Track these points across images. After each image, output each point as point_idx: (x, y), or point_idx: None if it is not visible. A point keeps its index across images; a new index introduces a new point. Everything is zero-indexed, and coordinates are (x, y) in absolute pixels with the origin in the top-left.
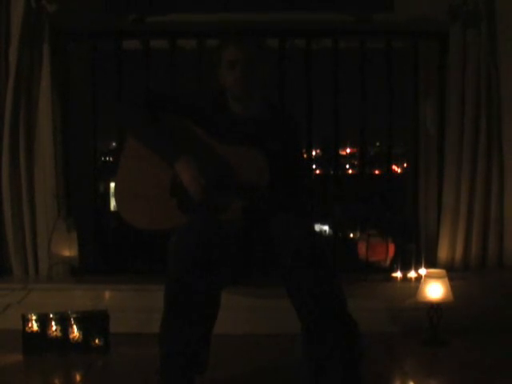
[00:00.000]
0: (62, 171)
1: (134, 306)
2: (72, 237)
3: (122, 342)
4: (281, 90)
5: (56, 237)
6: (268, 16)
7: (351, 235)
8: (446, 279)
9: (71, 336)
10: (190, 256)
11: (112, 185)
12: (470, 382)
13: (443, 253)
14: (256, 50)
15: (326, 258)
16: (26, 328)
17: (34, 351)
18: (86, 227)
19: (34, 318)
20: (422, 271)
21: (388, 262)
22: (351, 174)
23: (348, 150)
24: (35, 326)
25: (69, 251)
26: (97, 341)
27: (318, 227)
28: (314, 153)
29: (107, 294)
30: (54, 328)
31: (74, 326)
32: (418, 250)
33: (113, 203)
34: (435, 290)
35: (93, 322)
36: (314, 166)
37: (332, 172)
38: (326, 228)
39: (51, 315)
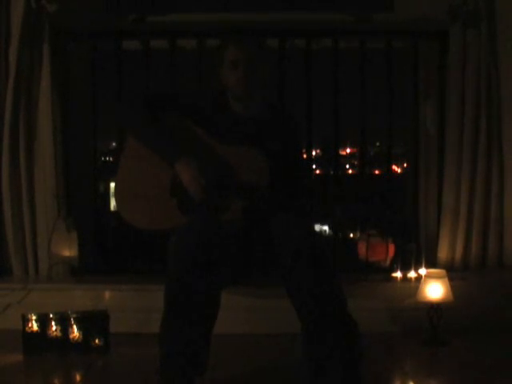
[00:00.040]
0: (62, 171)
1: (134, 306)
2: (72, 237)
3: (121, 342)
4: (281, 90)
5: (56, 237)
6: (268, 16)
7: (351, 235)
8: (446, 279)
9: (71, 336)
10: (190, 256)
11: (112, 185)
12: (470, 382)
13: (443, 253)
14: (257, 49)
15: (326, 258)
16: (26, 328)
17: (34, 351)
18: (86, 227)
19: (33, 317)
20: (422, 271)
21: (388, 262)
22: (351, 174)
23: (348, 150)
24: (35, 326)
25: (69, 251)
26: (97, 341)
27: (318, 227)
28: (314, 153)
29: (107, 294)
30: (53, 328)
31: (74, 326)
32: (418, 250)
33: (113, 203)
34: (435, 289)
35: (93, 321)
36: (314, 166)
37: (332, 172)
38: (326, 228)
39: (51, 315)
